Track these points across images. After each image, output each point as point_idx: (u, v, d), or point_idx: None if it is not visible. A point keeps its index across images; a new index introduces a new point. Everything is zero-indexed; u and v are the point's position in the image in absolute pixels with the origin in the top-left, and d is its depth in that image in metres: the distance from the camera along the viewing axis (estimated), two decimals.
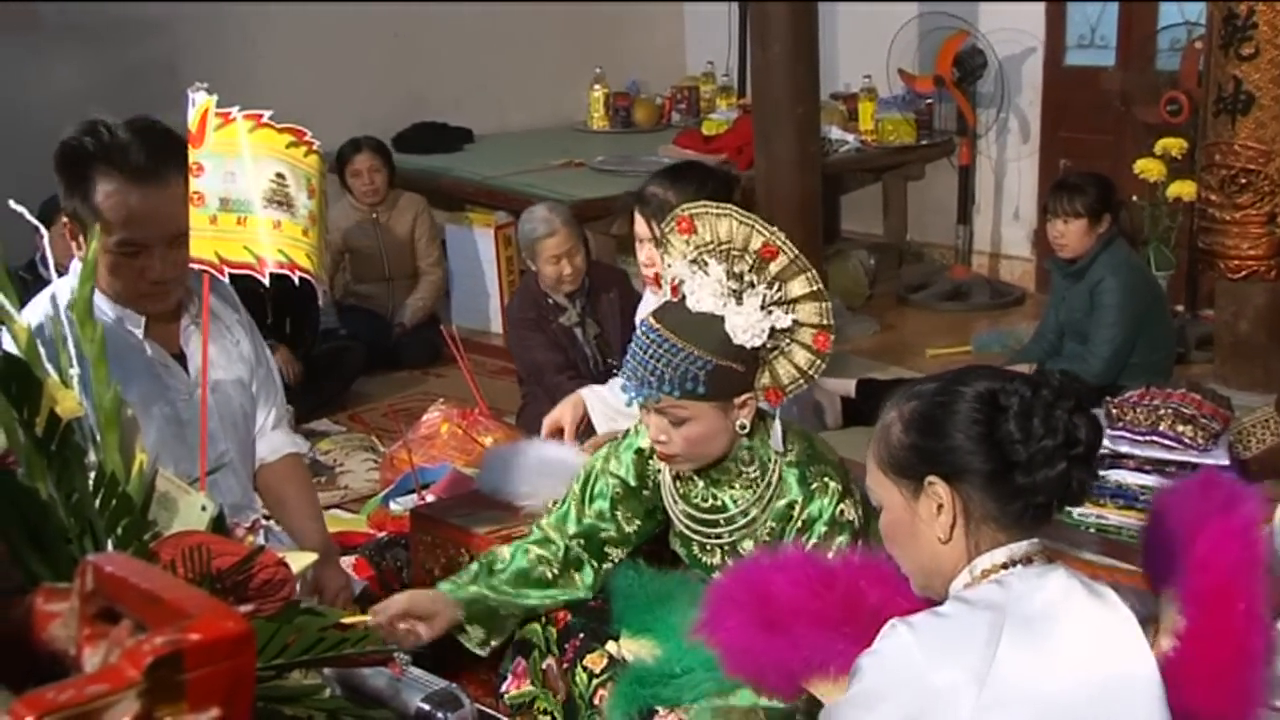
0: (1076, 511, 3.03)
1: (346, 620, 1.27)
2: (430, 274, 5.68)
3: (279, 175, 2.06)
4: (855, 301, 5.91)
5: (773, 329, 2.11)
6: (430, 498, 3.38)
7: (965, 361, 4.91)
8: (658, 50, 7.30)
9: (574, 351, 4.23)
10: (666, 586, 2.34)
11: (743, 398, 2.15)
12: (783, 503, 2.20)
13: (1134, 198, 5.02)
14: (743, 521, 2.23)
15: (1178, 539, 1.70)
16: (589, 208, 5.18)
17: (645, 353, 2.11)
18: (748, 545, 2.24)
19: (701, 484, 2.26)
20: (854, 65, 6.54)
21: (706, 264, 2.12)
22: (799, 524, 2.20)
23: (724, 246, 2.12)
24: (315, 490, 2.74)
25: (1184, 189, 4.90)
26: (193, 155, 2.09)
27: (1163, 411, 3.06)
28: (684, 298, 2.13)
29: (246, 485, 2.51)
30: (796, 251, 2.12)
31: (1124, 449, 3.09)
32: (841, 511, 2.17)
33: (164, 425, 2.30)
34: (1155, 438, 3.06)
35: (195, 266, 2.15)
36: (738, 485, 2.23)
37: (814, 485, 2.18)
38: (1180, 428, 3.02)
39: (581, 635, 2.35)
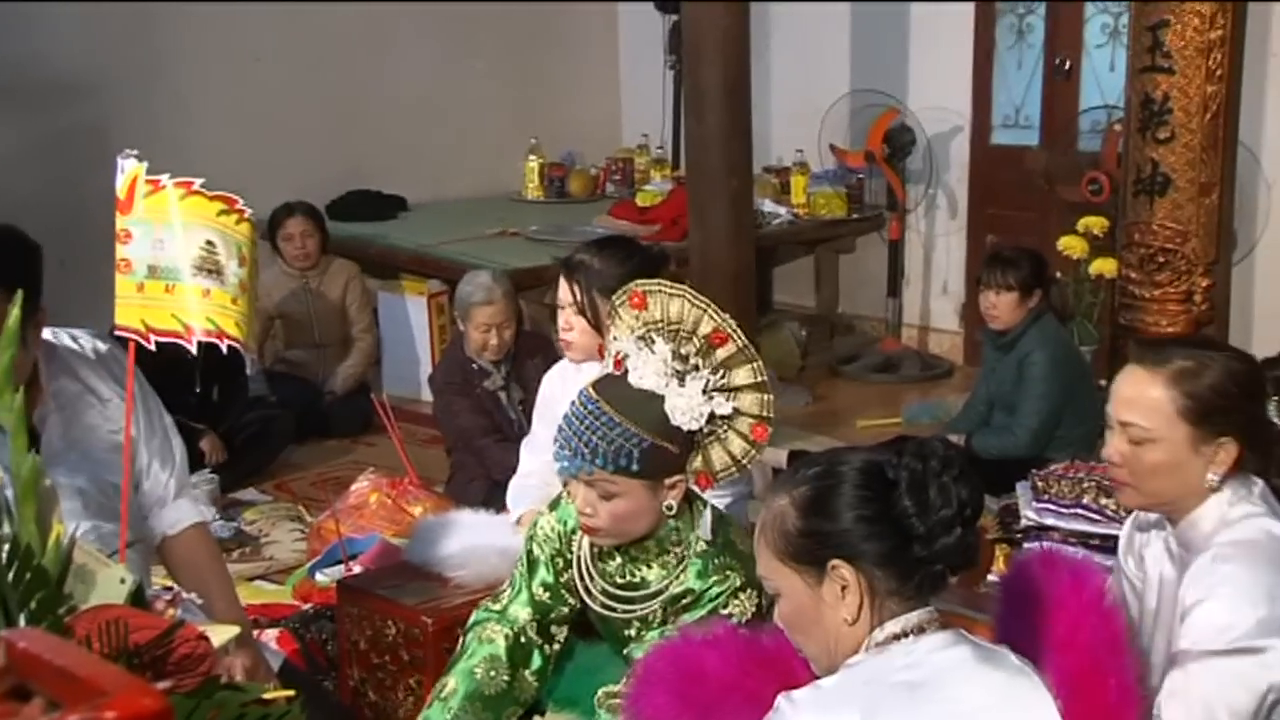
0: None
1: (269, 696, 1.24)
2: (362, 341, 5.65)
3: (209, 243, 2.04)
4: (787, 373, 5.96)
5: (712, 414, 2.09)
6: (358, 569, 3.34)
7: (896, 433, 4.97)
8: (593, 122, 7.37)
9: (499, 415, 4.23)
10: (594, 658, 2.32)
11: (674, 479, 2.13)
12: (680, 589, 2.18)
13: (1058, 274, 5.13)
14: (641, 605, 2.20)
15: (1031, 619, 1.73)
16: (523, 277, 5.19)
17: (581, 423, 2.09)
18: (652, 622, 2.21)
19: (619, 560, 2.23)
20: (787, 140, 6.64)
21: (654, 341, 2.11)
22: (682, 607, 2.18)
23: (673, 326, 2.11)
24: (224, 562, 2.66)
25: (1106, 266, 5.01)
26: (121, 222, 2.07)
27: (1086, 484, 3.10)
28: (626, 372, 2.12)
29: (133, 562, 2.42)
30: (746, 341, 2.12)
31: (1049, 521, 3.13)
32: (727, 604, 2.15)
33: None
34: (1079, 510, 3.09)
35: (121, 334, 2.12)
36: (655, 565, 2.21)
37: (713, 576, 2.16)
38: (1103, 500, 3.06)
39: None
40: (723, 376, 2.11)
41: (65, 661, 0.82)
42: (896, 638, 1.59)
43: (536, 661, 2.32)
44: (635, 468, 2.07)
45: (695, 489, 2.19)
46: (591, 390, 2.13)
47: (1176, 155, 4.05)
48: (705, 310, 2.10)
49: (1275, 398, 3.53)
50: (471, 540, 2.77)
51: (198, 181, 2.09)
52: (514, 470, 3.42)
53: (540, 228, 6.11)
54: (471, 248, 5.81)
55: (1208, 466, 2.00)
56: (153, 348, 2.14)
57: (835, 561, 1.60)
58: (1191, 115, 4.00)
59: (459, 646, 2.36)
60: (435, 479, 4.35)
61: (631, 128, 7.41)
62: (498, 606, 2.34)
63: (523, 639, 2.30)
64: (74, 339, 2.37)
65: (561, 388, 3.04)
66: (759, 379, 2.11)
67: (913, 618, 1.60)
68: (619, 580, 2.23)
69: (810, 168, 6.53)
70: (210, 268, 2.04)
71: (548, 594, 2.31)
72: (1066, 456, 3.61)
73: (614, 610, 2.23)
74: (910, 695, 1.54)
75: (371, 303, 5.76)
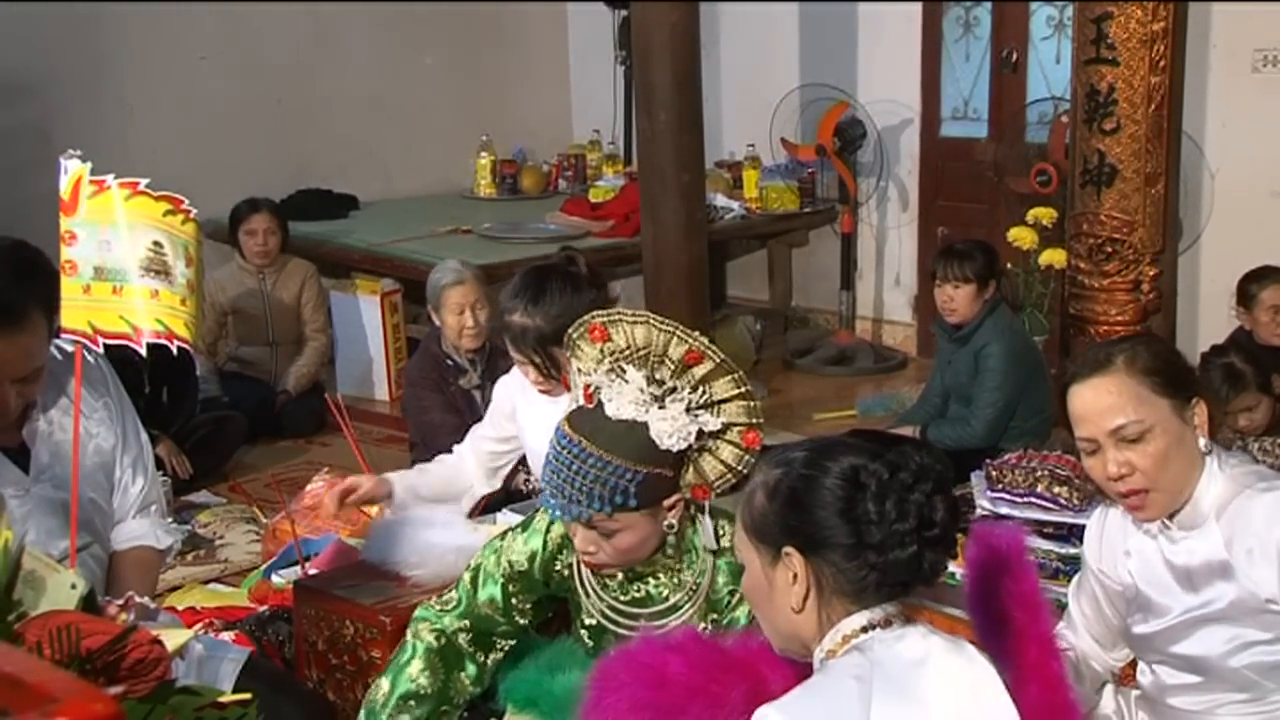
0: (960, 574, 3.08)
1: (224, 700, 1.23)
2: (315, 340, 5.62)
3: (156, 244, 2.02)
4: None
5: (700, 431, 2.04)
6: (313, 570, 3.32)
7: (852, 426, 5.00)
8: (544, 118, 7.36)
9: (471, 416, 4.20)
10: (555, 656, 2.31)
11: (672, 499, 2.07)
12: (718, 596, 2.14)
13: (1008, 265, 5.18)
14: (673, 616, 2.15)
15: (969, 589, 1.77)
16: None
17: (569, 468, 2.00)
18: None
19: (621, 576, 2.18)
20: (738, 134, 6.66)
21: (624, 371, 2.03)
22: (732, 611, 2.14)
23: (642, 352, 2.03)
24: (152, 586, 2.55)
25: (1055, 257, 5.06)
26: (65, 223, 2.04)
27: (1040, 473, 3.13)
28: (600, 404, 2.03)
29: (99, 578, 2.37)
30: (722, 355, 2.06)
31: (1004, 510, 3.15)
32: None
33: None
34: (1033, 499, 3.11)
35: (68, 338, 2.09)
36: (661, 576, 2.16)
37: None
38: (1056, 489, 3.09)
39: (466, 712, 2.31)
40: (704, 393, 2.04)
41: (14, 668, 0.81)
42: (864, 630, 1.60)
43: (470, 668, 2.30)
44: (633, 503, 2.01)
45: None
46: (569, 429, 2.04)
47: (1122, 146, 4.09)
48: (673, 333, 2.02)
49: (1224, 385, 3.59)
50: (428, 539, 2.75)
51: (143, 182, 2.07)
52: None
53: (493, 225, 6.10)
54: (424, 246, 5.78)
55: (1195, 433, 2.04)
56: (101, 350, 2.12)
57: (789, 549, 1.61)
58: (1136, 106, 4.04)
59: (400, 643, 2.35)
60: None
61: (582, 123, 7.40)
62: (438, 608, 2.32)
63: (455, 643, 2.29)
64: (59, 349, 2.28)
65: (523, 396, 3.04)
66: (742, 389, 2.06)
67: (877, 613, 1.61)
68: (623, 598, 2.19)
69: (762, 162, 6.55)
70: (158, 268, 2.02)
71: (493, 610, 2.28)
72: (1019, 446, 3.65)
73: (618, 625, 2.18)
74: (896, 686, 1.54)
75: (326, 303, 5.72)
